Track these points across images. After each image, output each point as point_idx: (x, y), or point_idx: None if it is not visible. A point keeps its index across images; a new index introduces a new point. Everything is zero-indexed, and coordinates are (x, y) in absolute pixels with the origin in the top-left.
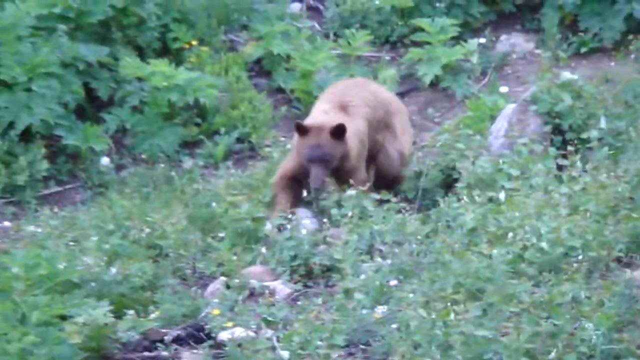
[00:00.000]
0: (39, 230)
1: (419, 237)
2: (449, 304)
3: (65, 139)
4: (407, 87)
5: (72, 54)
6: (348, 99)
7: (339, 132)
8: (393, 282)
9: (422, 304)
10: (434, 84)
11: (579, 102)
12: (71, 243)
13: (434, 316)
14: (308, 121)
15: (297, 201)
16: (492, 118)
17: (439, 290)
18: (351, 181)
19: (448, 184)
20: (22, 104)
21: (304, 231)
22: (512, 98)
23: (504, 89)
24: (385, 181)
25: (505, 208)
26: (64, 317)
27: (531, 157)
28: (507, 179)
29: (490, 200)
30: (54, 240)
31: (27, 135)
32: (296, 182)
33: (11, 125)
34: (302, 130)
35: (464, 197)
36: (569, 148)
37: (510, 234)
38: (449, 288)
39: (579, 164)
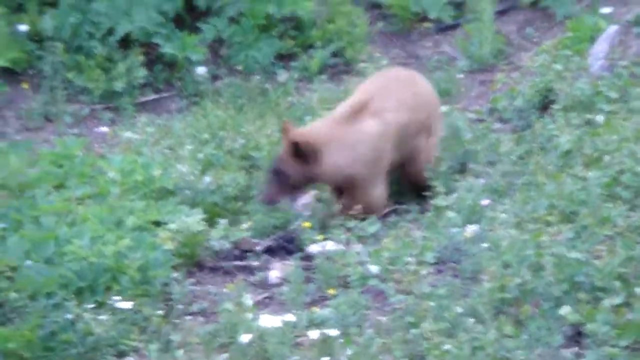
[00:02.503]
0: (136, 136)
1: (512, 157)
2: (541, 225)
3: (163, 47)
4: (506, 5)
5: None
6: (379, 103)
7: (297, 150)
8: (485, 202)
9: (514, 224)
10: (533, 3)
11: None
12: (166, 150)
13: (526, 237)
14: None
15: None
16: (593, 39)
17: (531, 211)
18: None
19: (544, 105)
20: (122, 10)
21: None
22: (614, 19)
23: (606, 10)
24: (413, 186)
25: (602, 131)
26: (158, 223)
27: (631, 80)
28: (606, 101)
29: (587, 122)
30: (150, 147)
31: (125, 42)
32: None
33: (110, 31)
34: (283, 133)
35: (560, 119)
36: None
37: (607, 157)
38: (542, 209)
39: None
